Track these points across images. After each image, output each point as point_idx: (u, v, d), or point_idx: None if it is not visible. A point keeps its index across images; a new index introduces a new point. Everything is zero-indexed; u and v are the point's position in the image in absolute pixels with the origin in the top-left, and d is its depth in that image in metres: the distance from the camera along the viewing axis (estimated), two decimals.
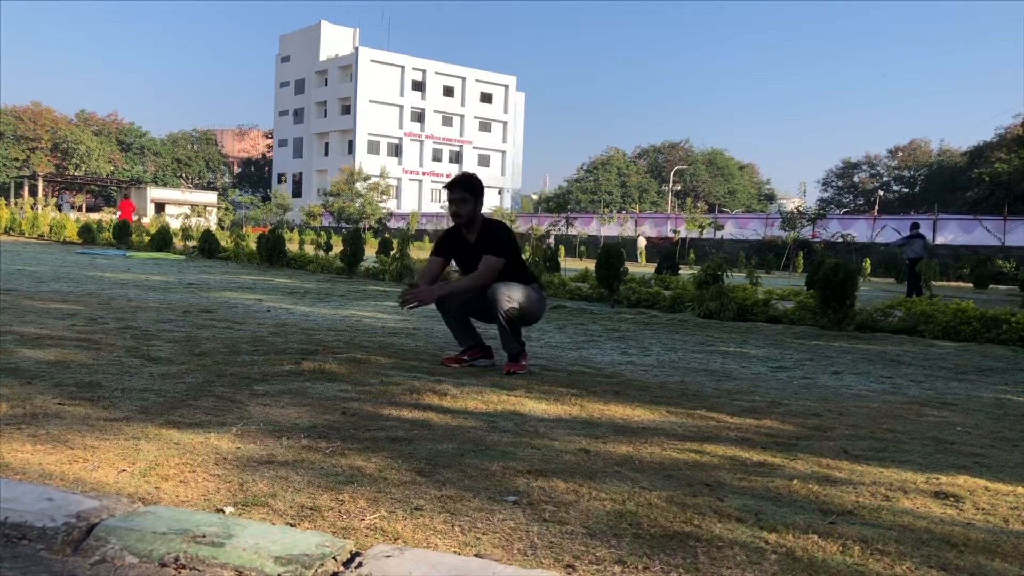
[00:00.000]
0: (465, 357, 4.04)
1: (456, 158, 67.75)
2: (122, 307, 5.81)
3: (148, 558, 1.44)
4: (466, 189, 3.96)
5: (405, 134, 65.24)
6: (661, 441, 2.59)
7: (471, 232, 4.02)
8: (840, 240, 28.70)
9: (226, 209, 48.76)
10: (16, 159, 61.46)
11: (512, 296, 3.86)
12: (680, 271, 16.03)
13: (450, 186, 4.01)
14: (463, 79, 67.91)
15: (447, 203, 4.10)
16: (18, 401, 2.62)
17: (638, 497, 1.95)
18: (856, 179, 68.36)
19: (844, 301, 7.06)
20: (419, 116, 66.01)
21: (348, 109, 63.99)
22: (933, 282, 13.00)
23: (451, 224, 4.13)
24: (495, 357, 4.08)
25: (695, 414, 3.07)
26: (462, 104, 67.92)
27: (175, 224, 25.87)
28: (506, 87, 70.73)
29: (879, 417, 3.24)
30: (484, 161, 69.28)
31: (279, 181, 68.96)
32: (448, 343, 4.85)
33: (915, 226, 15.09)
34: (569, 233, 35.74)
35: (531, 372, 3.90)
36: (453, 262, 4.23)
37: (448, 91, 67.48)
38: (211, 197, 50.52)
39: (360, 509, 1.77)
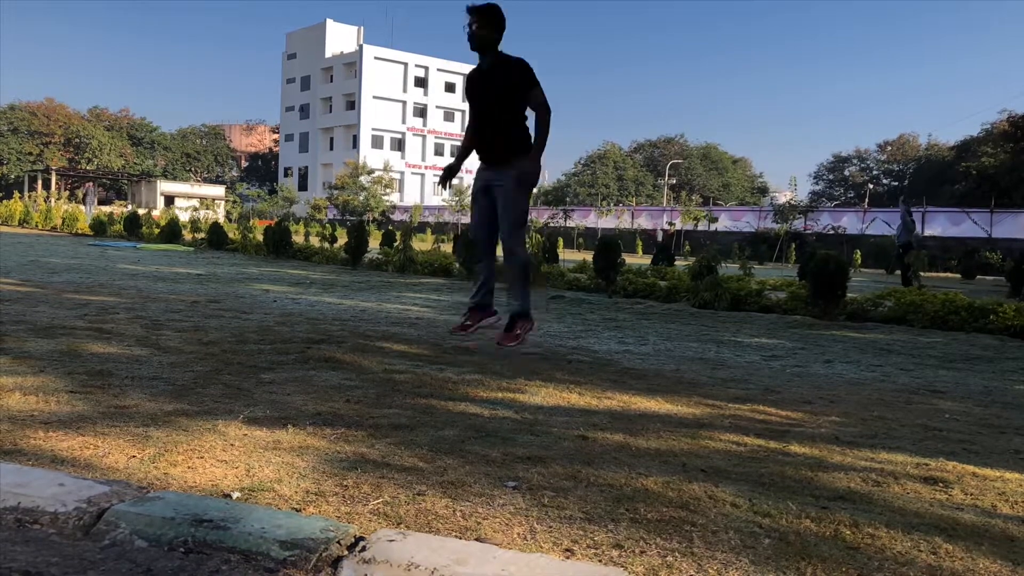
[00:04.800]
0: (469, 323, 4.13)
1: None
2: (132, 297, 5.82)
3: (157, 542, 1.46)
4: (484, 15, 3.94)
5: (408, 129, 65.65)
6: (657, 428, 2.62)
7: (485, 60, 4.04)
8: (831, 232, 28.82)
9: (234, 202, 48.96)
10: (30, 153, 61.80)
11: (523, 228, 4.03)
12: (676, 262, 16.10)
13: (470, 10, 3.95)
14: (464, 75, 68.08)
15: (468, 28, 4.01)
16: (31, 389, 2.64)
17: (635, 483, 1.99)
18: (846, 173, 68.56)
19: (835, 291, 7.11)
20: (422, 112, 66.39)
21: (352, 105, 64.46)
22: (922, 273, 13.10)
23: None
24: (499, 313, 4.17)
25: (690, 401, 3.11)
26: (463, 100, 68.09)
27: (184, 216, 25.89)
28: None
29: (870, 404, 3.28)
30: None
31: (285, 175, 69.41)
32: (448, 332, 4.86)
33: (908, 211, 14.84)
34: (567, 225, 35.77)
35: (524, 341, 4.02)
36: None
37: (450, 87, 67.84)
38: (219, 190, 50.48)
39: (364, 494, 1.80)
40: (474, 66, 4.18)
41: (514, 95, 4.00)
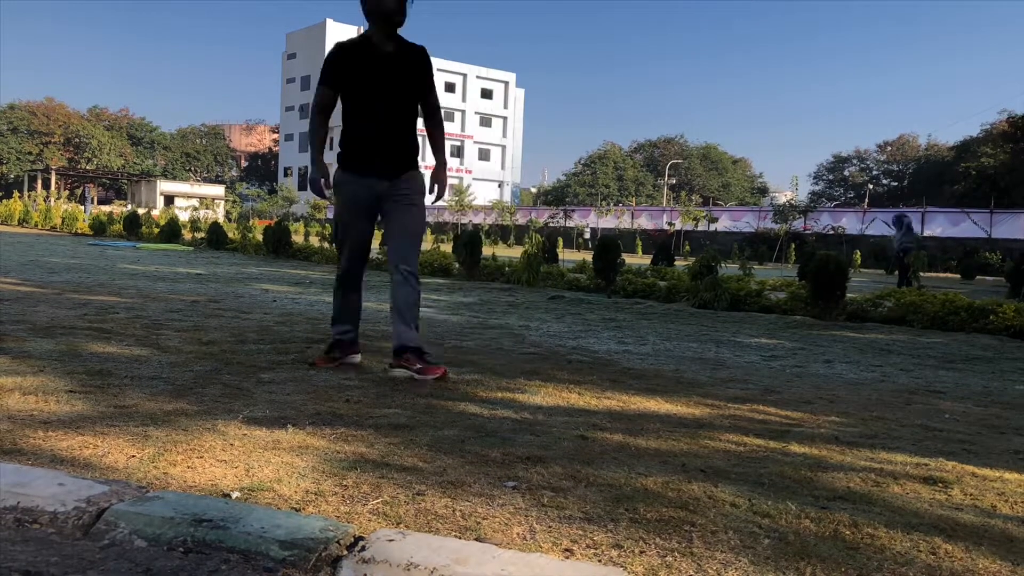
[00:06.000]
0: (337, 354, 3.39)
1: (457, 152, 68.27)
2: (132, 297, 5.83)
3: (156, 542, 1.46)
4: None
5: None
6: (657, 428, 2.62)
7: (388, 44, 3.21)
8: (831, 232, 28.83)
9: (233, 202, 49.05)
10: (30, 153, 62.01)
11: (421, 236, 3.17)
12: (675, 262, 16.11)
13: None
14: (464, 76, 68.51)
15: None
16: (31, 389, 2.64)
17: (634, 482, 1.99)
18: (846, 173, 68.61)
19: (835, 291, 7.12)
20: None
21: None
22: (921, 273, 13.12)
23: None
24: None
25: (690, 401, 3.11)
26: (463, 100, 68.47)
27: (184, 216, 25.93)
28: (506, 83, 71.29)
29: (869, 405, 3.28)
30: (484, 155, 69.71)
31: (285, 175, 69.60)
32: (449, 332, 4.87)
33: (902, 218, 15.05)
34: (567, 225, 35.82)
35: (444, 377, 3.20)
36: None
37: (450, 87, 68.05)
38: (219, 190, 50.50)
39: (363, 494, 1.80)
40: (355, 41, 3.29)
41: (417, 94, 3.31)
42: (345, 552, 1.44)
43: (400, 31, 3.38)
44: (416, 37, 3.41)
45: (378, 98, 3.27)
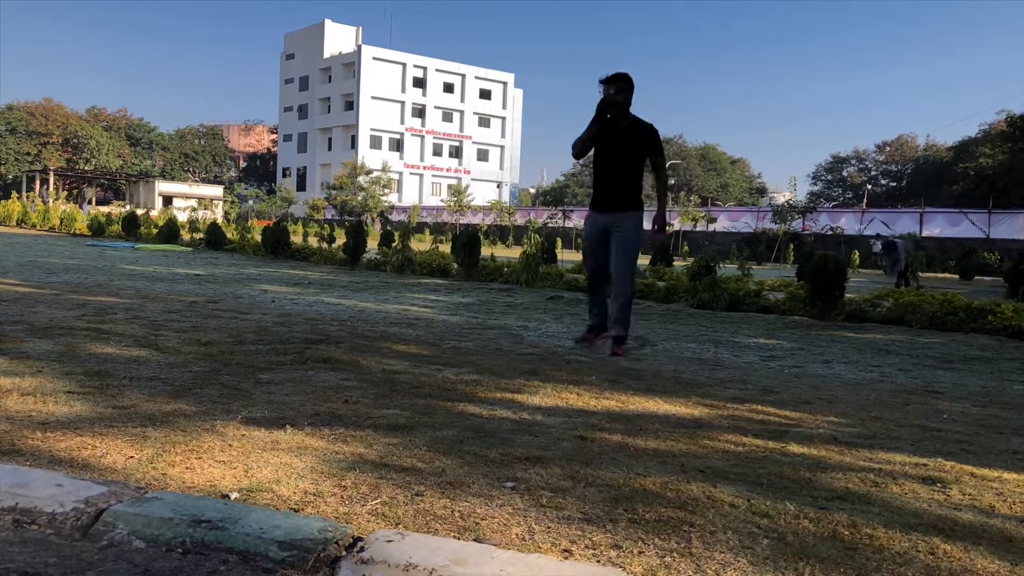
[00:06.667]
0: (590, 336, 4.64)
1: (456, 152, 68.35)
2: (131, 297, 5.82)
3: (155, 543, 1.46)
4: (625, 82, 4.37)
5: (407, 129, 65.94)
6: (656, 428, 2.62)
7: (623, 121, 4.43)
8: (830, 232, 28.86)
9: (232, 202, 49.06)
10: (28, 153, 62.02)
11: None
12: (674, 263, 16.13)
13: (611, 79, 4.36)
14: (463, 76, 68.62)
15: (606, 94, 4.39)
16: (29, 390, 2.64)
17: (633, 483, 1.99)
18: (845, 173, 68.68)
19: (834, 292, 7.12)
20: (420, 112, 66.69)
21: (351, 105, 64.78)
22: (920, 273, 13.14)
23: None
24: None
25: (689, 402, 3.11)
26: (462, 100, 68.56)
27: (182, 217, 25.88)
28: (504, 84, 71.39)
29: (868, 405, 3.29)
30: (483, 156, 69.79)
31: (284, 175, 69.70)
32: (448, 332, 4.87)
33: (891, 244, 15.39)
34: (566, 226, 35.81)
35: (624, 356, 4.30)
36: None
37: (448, 88, 68.11)
38: (217, 191, 50.40)
39: (362, 495, 1.80)
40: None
41: (643, 156, 4.52)
42: (344, 553, 1.44)
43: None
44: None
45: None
